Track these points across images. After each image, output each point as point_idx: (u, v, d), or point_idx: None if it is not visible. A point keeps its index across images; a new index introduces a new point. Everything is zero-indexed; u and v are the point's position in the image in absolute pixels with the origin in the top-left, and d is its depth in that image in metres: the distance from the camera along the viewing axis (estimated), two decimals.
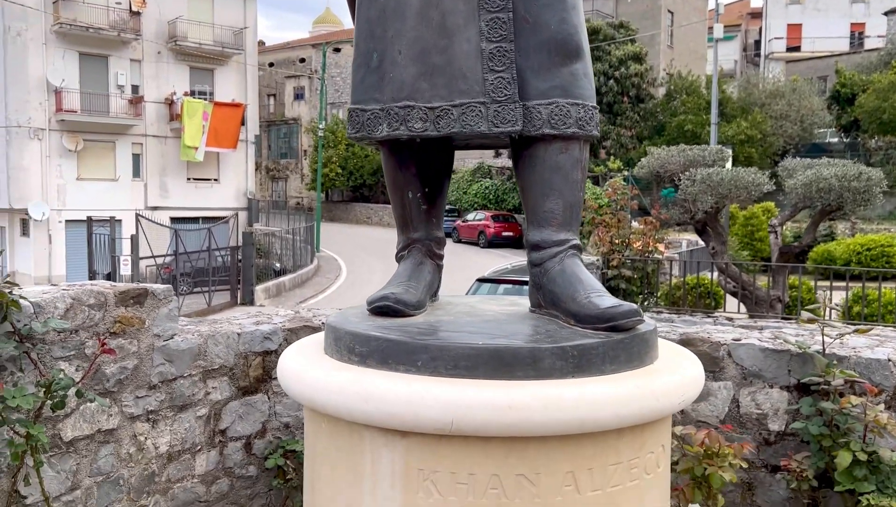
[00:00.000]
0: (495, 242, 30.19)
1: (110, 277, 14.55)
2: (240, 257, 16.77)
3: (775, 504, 3.54)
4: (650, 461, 1.82)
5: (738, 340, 3.67)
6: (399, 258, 2.25)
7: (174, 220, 27.50)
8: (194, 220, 29.78)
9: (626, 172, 18.74)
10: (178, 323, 3.57)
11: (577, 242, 2.07)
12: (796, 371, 3.50)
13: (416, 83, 1.93)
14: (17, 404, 2.57)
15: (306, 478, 1.96)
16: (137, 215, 15.52)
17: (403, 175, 2.18)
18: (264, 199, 42.28)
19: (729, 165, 9.88)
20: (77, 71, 28.20)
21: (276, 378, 3.76)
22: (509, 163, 32.96)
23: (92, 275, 14.03)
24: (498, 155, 32.20)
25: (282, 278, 19.77)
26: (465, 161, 36.06)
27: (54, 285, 3.12)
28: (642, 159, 9.53)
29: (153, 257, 14.81)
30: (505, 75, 1.93)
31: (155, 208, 29.40)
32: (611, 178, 16.45)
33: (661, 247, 8.86)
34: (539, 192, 2.03)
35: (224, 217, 28.73)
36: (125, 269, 14.28)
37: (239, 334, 3.72)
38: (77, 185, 28.46)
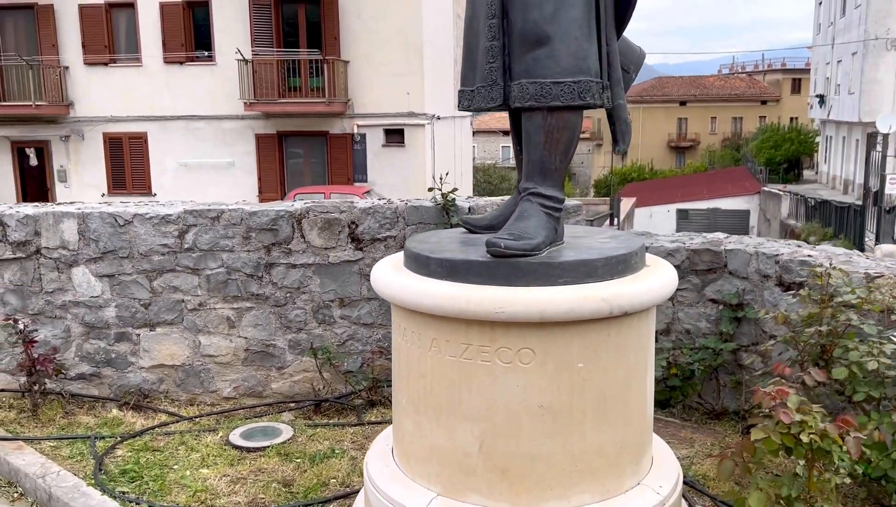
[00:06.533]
0: None
1: (877, 195, 14.30)
2: None
3: None
4: (505, 355, 2.31)
5: None
6: None
7: None
8: None
9: None
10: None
11: (535, 189, 2.51)
12: None
13: (465, 74, 2.77)
14: None
15: None
16: None
17: (512, 134, 2.96)
18: None
19: None
20: None
21: (680, 288, 4.50)
22: None
23: (866, 191, 14.11)
24: None
25: None
26: None
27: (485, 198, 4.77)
28: None
29: None
30: (495, 65, 2.56)
31: None
32: None
33: None
34: (524, 151, 2.63)
35: None
36: (891, 188, 13.76)
37: (647, 248, 4.58)
38: None
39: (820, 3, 36.31)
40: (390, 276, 2.62)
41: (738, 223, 30.23)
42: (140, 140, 20.68)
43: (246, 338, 4.72)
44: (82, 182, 21.12)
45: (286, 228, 4.58)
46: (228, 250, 4.60)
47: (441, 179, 4.51)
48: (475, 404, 2.46)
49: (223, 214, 4.56)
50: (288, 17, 19.72)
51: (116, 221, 4.55)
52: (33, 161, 21.16)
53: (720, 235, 4.60)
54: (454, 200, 4.51)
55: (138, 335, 4.71)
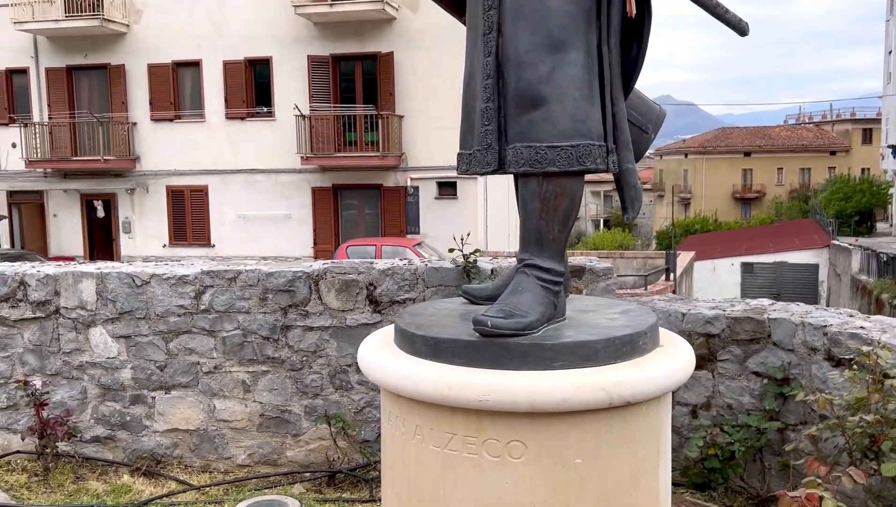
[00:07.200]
0: None
1: None
2: None
3: None
4: (493, 447, 2.05)
5: None
6: None
7: None
8: None
9: None
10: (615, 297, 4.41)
11: (531, 261, 2.28)
12: None
13: (463, 136, 2.59)
14: None
15: None
16: None
17: (516, 198, 2.74)
18: None
19: None
20: None
21: (720, 359, 4.16)
22: None
23: None
24: None
25: None
26: None
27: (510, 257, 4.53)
28: None
29: None
30: (490, 128, 2.37)
31: None
32: None
33: None
34: (520, 218, 2.41)
35: None
36: None
37: (684, 315, 4.27)
38: None
39: (890, 53, 35.28)
40: (373, 354, 2.41)
41: (806, 278, 29.03)
42: (201, 193, 21.21)
43: (261, 403, 4.56)
44: (145, 233, 21.74)
45: (303, 289, 4.44)
46: (245, 312, 4.48)
47: (462, 239, 4.31)
48: (461, 501, 2.21)
49: (240, 275, 4.46)
50: (345, 73, 20.13)
51: (134, 281, 4.49)
52: (100, 213, 21.93)
53: (764, 302, 4.25)
54: (475, 261, 4.30)
55: (153, 398, 4.60)
